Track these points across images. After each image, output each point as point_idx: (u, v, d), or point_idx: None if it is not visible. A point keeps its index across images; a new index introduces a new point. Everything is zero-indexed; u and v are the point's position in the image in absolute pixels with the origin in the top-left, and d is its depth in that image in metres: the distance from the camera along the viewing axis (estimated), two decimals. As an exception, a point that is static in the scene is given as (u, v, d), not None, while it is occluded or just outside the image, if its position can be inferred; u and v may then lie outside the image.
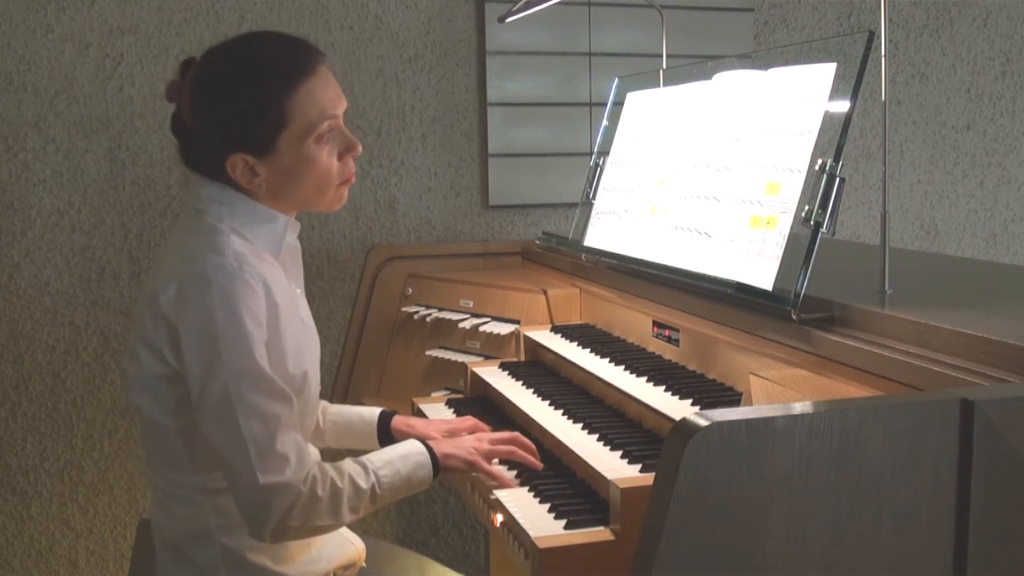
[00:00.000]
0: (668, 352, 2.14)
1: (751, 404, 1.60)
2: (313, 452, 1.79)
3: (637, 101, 2.49)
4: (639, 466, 1.69)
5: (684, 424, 1.07)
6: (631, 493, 1.55)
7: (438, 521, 3.27)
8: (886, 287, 1.73)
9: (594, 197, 2.52)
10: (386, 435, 2.00)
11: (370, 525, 3.16)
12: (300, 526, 1.57)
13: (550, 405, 2.08)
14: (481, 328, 2.61)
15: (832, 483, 1.10)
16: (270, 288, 1.61)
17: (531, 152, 3.25)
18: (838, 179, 1.66)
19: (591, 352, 2.24)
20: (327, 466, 1.63)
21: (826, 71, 1.75)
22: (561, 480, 1.80)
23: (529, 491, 1.75)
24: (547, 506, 1.68)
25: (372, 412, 2.04)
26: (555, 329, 2.48)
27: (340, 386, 2.89)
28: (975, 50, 3.71)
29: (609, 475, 1.64)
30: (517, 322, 2.58)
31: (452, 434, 1.97)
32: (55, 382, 2.96)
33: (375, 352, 2.88)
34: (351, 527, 1.80)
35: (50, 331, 2.94)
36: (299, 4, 3.03)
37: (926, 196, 3.71)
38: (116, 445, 3.02)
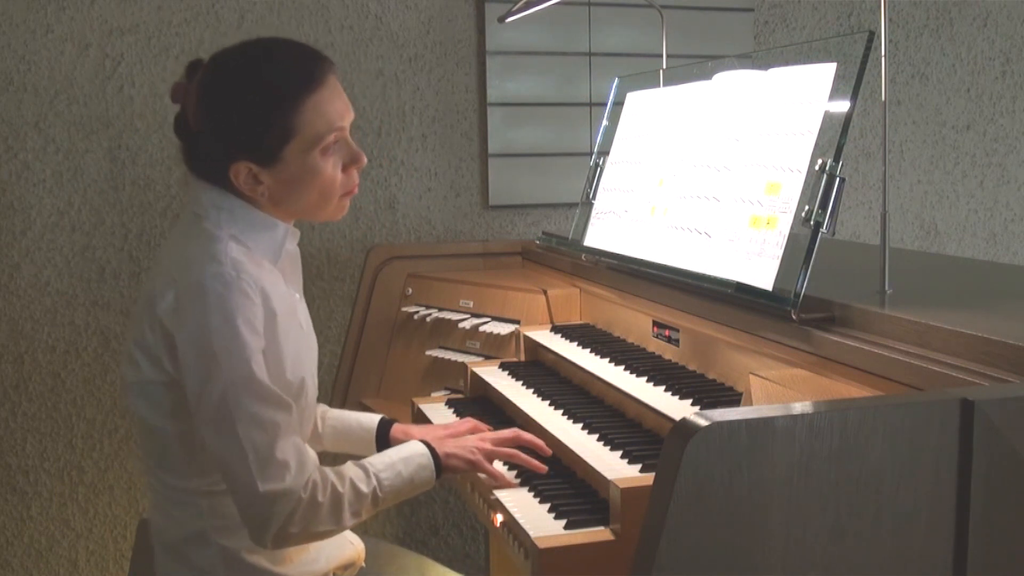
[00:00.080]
0: (668, 352, 2.14)
1: (751, 404, 1.60)
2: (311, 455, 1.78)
3: (637, 101, 2.49)
4: (639, 466, 1.69)
5: (684, 424, 1.07)
6: (631, 493, 1.55)
7: (438, 521, 3.27)
8: (886, 287, 1.73)
9: (594, 197, 2.52)
10: (384, 443, 1.98)
11: (370, 525, 3.16)
12: (301, 532, 1.57)
13: (550, 405, 2.08)
14: (481, 328, 2.61)
15: (832, 483, 1.10)
16: (268, 295, 1.60)
17: (531, 152, 3.25)
18: (838, 179, 1.66)
19: (591, 352, 2.23)
20: (328, 471, 1.62)
21: (826, 71, 1.75)
22: (561, 480, 1.79)
23: (529, 491, 1.76)
24: (547, 506, 1.68)
25: (371, 419, 2.03)
26: (555, 329, 2.48)
27: (340, 386, 2.89)
28: (975, 50, 3.71)
29: (609, 475, 1.64)
30: (517, 322, 2.57)
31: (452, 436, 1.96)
32: (55, 382, 2.96)
33: (375, 352, 2.88)
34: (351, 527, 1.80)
35: (50, 331, 2.94)
36: (299, 4, 3.03)
37: (926, 196, 3.71)
38: (116, 445, 3.02)
